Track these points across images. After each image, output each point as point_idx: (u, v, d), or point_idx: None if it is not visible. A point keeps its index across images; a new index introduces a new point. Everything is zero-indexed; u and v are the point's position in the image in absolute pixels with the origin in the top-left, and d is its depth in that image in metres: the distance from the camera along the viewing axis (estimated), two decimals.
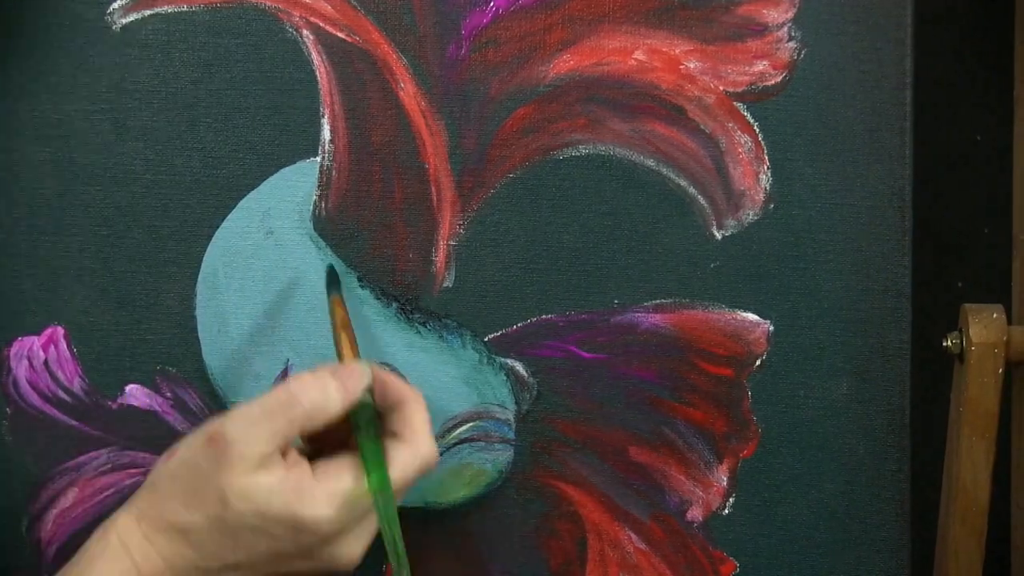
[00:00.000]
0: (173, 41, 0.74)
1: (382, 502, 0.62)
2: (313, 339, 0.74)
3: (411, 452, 0.64)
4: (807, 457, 0.75)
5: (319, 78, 0.74)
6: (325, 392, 0.63)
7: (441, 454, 0.74)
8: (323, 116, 0.74)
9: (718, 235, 0.75)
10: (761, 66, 0.74)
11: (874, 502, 0.76)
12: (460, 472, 0.75)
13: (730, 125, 0.74)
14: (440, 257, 0.75)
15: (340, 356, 0.67)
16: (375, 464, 0.62)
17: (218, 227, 0.74)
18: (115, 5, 0.74)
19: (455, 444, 0.74)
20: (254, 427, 0.62)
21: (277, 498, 0.62)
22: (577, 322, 0.75)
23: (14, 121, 0.74)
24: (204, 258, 0.74)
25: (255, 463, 0.62)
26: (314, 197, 0.74)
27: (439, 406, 0.74)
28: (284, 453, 0.63)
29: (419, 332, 0.74)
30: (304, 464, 0.63)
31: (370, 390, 0.64)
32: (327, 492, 0.62)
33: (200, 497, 0.63)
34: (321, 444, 0.66)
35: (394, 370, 0.74)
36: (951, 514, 0.80)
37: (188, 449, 0.64)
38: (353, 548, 0.64)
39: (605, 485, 0.75)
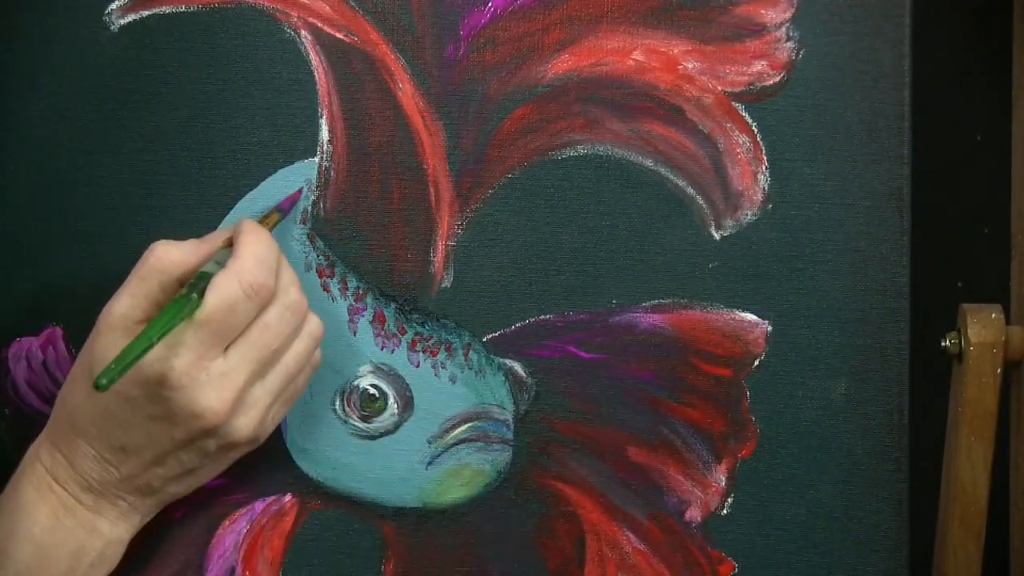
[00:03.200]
0: (171, 41, 0.74)
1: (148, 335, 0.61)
2: None
3: (228, 275, 0.64)
4: (806, 457, 0.75)
5: (317, 78, 0.74)
6: (174, 246, 0.65)
7: (440, 455, 0.74)
8: (321, 116, 0.74)
9: (716, 235, 0.75)
10: (759, 66, 0.74)
11: (873, 502, 0.76)
12: (458, 472, 0.75)
13: (728, 125, 0.74)
14: (438, 257, 0.75)
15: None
16: (162, 319, 0.61)
17: (217, 228, 0.74)
18: (113, 6, 0.74)
19: (453, 444, 0.74)
20: (117, 296, 0.65)
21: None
22: (575, 322, 0.75)
23: (11, 121, 0.74)
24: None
25: (119, 329, 0.64)
26: (312, 197, 0.74)
27: (438, 407, 0.74)
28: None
29: (418, 332, 0.74)
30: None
31: (222, 262, 0.65)
32: (166, 342, 0.62)
33: (80, 375, 0.65)
34: None
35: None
36: (950, 514, 0.80)
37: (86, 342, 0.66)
38: (240, 422, 0.65)
39: (603, 485, 0.75)
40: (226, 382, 0.64)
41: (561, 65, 0.74)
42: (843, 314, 0.75)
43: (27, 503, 0.66)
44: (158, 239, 0.72)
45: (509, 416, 0.75)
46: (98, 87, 0.74)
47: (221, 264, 0.65)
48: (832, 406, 0.75)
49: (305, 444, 0.74)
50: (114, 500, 0.66)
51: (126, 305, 0.64)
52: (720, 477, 0.75)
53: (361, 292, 0.74)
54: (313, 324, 0.68)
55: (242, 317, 0.64)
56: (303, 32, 0.74)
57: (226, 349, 0.64)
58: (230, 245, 0.67)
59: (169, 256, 0.65)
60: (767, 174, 0.75)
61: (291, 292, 0.67)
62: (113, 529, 0.67)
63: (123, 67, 0.74)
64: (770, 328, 0.75)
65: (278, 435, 0.74)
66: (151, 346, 0.61)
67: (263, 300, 0.65)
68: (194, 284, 0.63)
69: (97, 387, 0.59)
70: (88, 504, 0.66)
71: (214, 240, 0.67)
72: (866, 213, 0.75)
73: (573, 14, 0.74)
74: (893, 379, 0.75)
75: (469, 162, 0.74)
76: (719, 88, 0.74)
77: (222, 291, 0.63)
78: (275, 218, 0.71)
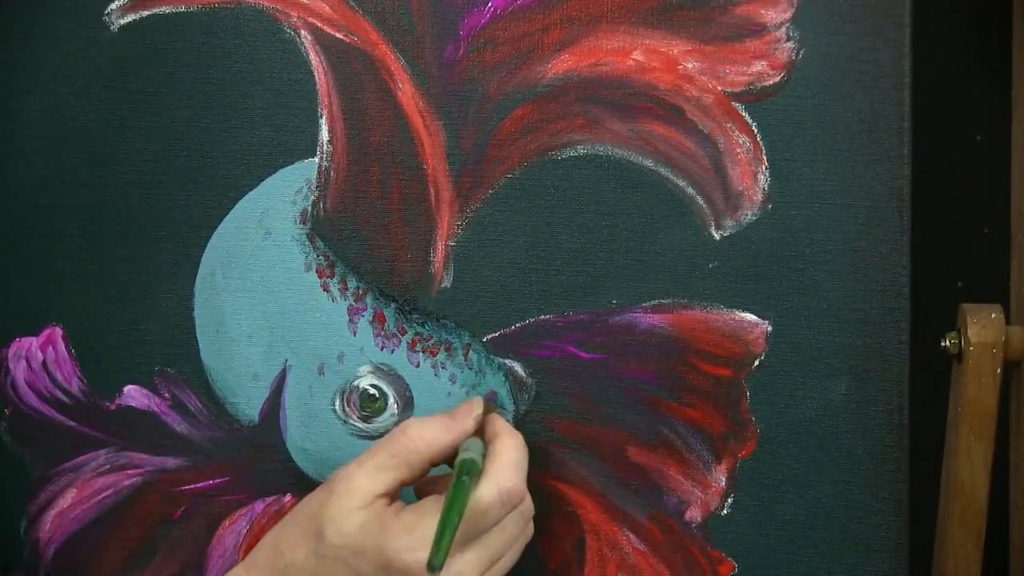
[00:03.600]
0: (171, 42, 0.74)
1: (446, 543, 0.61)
2: (311, 339, 0.74)
3: (489, 479, 0.64)
4: (806, 457, 0.75)
5: (317, 78, 0.74)
6: (428, 426, 0.65)
7: None
8: (321, 116, 0.74)
9: (716, 235, 0.75)
10: (759, 66, 0.74)
11: (873, 502, 0.76)
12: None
13: (728, 125, 0.74)
14: (438, 257, 0.75)
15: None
16: (455, 509, 0.61)
17: (216, 228, 0.74)
18: (113, 6, 0.74)
19: None
20: (361, 465, 0.64)
21: (364, 528, 0.62)
22: (575, 322, 0.75)
23: (12, 122, 0.74)
24: (202, 259, 0.74)
25: (358, 499, 0.63)
26: (312, 197, 0.74)
27: (438, 407, 0.74)
28: (393, 498, 0.64)
29: (418, 332, 0.74)
30: (399, 505, 0.64)
31: (481, 452, 0.65)
32: (404, 523, 0.62)
33: (303, 533, 0.64)
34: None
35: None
36: (950, 514, 0.80)
37: (309, 496, 0.65)
38: None
39: (603, 485, 0.75)
40: None
41: (561, 65, 0.74)
42: (843, 314, 0.75)
43: None
44: (157, 240, 0.73)
45: (509, 416, 0.75)
46: (98, 87, 0.74)
47: (474, 452, 0.65)
48: (832, 406, 0.75)
49: (305, 444, 0.74)
50: None
51: (371, 478, 0.64)
52: (720, 477, 0.75)
53: (361, 292, 0.74)
54: (530, 530, 0.69)
55: (492, 521, 0.65)
56: (303, 32, 0.74)
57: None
58: (480, 433, 0.68)
59: (424, 437, 0.66)
60: (767, 174, 0.75)
61: (527, 498, 0.67)
62: None
63: (123, 67, 0.74)
64: (770, 328, 0.75)
65: (278, 435, 0.74)
66: (455, 530, 0.61)
67: (514, 506, 0.65)
68: (468, 473, 0.63)
69: (431, 569, 0.59)
70: None
71: (463, 420, 0.67)
72: (866, 213, 0.75)
73: (573, 14, 0.74)
74: (893, 379, 0.75)
75: (469, 162, 0.74)
76: (719, 88, 0.74)
77: (481, 494, 0.64)
78: (491, 408, 0.72)
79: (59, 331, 0.74)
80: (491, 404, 0.72)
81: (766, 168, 0.75)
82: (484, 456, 0.66)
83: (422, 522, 0.63)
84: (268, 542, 0.66)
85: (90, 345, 0.74)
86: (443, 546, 0.59)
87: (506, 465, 0.65)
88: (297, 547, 0.64)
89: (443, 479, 0.68)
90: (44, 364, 0.74)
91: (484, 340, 0.75)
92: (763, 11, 0.74)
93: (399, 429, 0.66)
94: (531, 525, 0.69)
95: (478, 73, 0.74)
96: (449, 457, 0.67)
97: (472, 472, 0.63)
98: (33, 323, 0.74)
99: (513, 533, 0.66)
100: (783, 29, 0.74)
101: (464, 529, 0.63)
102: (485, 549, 0.65)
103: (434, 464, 0.67)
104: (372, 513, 0.63)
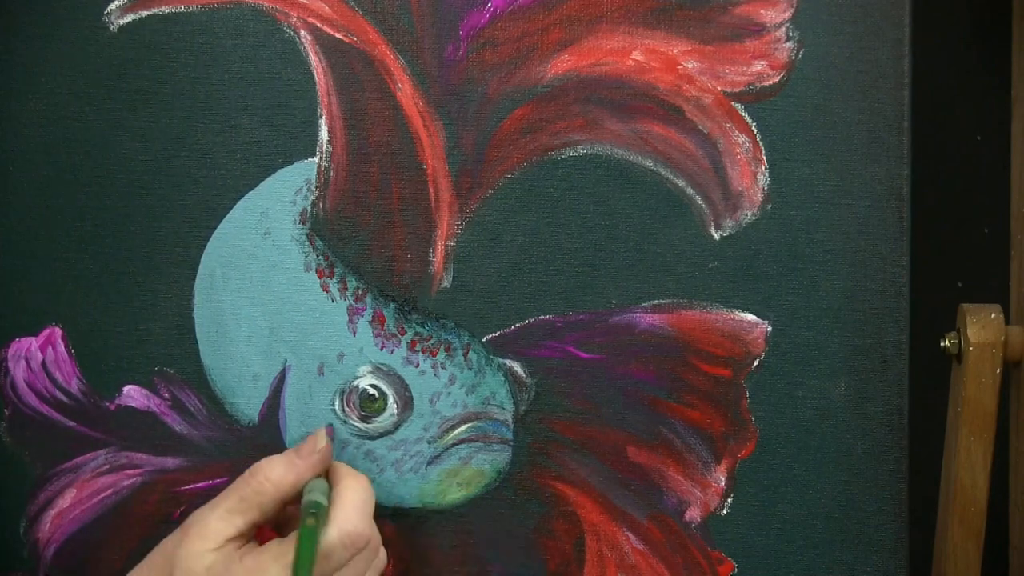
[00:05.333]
0: (171, 42, 0.74)
1: None
2: (311, 339, 0.74)
3: (333, 524, 0.65)
4: (805, 457, 0.75)
5: (317, 78, 0.74)
6: (275, 467, 0.67)
7: (439, 455, 0.74)
8: (321, 116, 0.74)
9: (716, 235, 0.75)
10: (759, 66, 0.74)
11: (872, 502, 0.76)
12: (458, 472, 0.75)
13: (728, 125, 0.74)
14: (438, 257, 0.75)
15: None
16: (305, 555, 0.62)
17: (216, 228, 0.74)
18: (112, 6, 0.74)
19: (453, 445, 0.74)
20: (214, 508, 0.66)
21: (210, 571, 0.64)
22: (575, 322, 0.75)
23: (11, 122, 0.74)
24: (202, 259, 0.74)
25: (209, 541, 0.65)
26: (312, 197, 0.74)
27: (437, 407, 0.74)
28: (248, 539, 0.66)
29: (418, 332, 0.74)
30: (249, 547, 0.65)
31: (325, 492, 0.67)
32: (246, 567, 0.64)
33: (158, 574, 0.65)
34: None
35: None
36: (949, 514, 0.80)
37: (167, 537, 0.66)
38: None
39: (603, 485, 0.75)
40: None
41: (561, 65, 0.74)
42: (843, 314, 0.75)
43: None
44: (156, 240, 0.73)
45: (509, 416, 0.75)
46: (98, 87, 0.74)
47: (318, 493, 0.66)
48: (832, 406, 0.75)
49: None
50: None
51: (223, 520, 0.65)
52: (720, 477, 0.75)
53: (360, 292, 0.74)
54: (380, 561, 0.69)
55: (335, 564, 0.65)
56: (302, 32, 0.74)
57: None
58: (325, 474, 0.69)
59: (271, 479, 0.66)
60: (767, 174, 0.75)
61: (374, 537, 0.68)
62: None
63: (122, 67, 0.74)
64: (769, 328, 0.75)
65: (278, 435, 0.74)
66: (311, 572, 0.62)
67: (358, 549, 0.66)
68: (315, 515, 0.64)
69: None
70: None
71: (308, 455, 0.68)
72: (866, 213, 0.75)
73: (573, 14, 0.74)
74: (892, 379, 0.75)
75: (468, 162, 0.74)
76: (719, 88, 0.74)
77: (324, 538, 0.65)
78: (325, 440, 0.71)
79: (58, 331, 0.74)
80: (332, 437, 0.72)
81: (765, 168, 0.75)
82: (327, 495, 0.67)
83: (263, 566, 0.64)
84: None
85: (90, 345, 0.74)
86: None
87: (349, 507, 0.66)
88: None
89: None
90: (44, 364, 0.74)
91: (484, 340, 0.75)
92: (763, 11, 0.74)
93: (249, 471, 0.67)
94: (383, 555, 0.70)
95: (478, 73, 0.74)
96: (298, 494, 0.68)
97: (319, 514, 0.64)
98: (33, 323, 0.74)
99: (359, 571, 0.67)
100: (783, 29, 0.74)
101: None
102: None
103: (287, 502, 0.68)
104: (221, 555, 0.64)
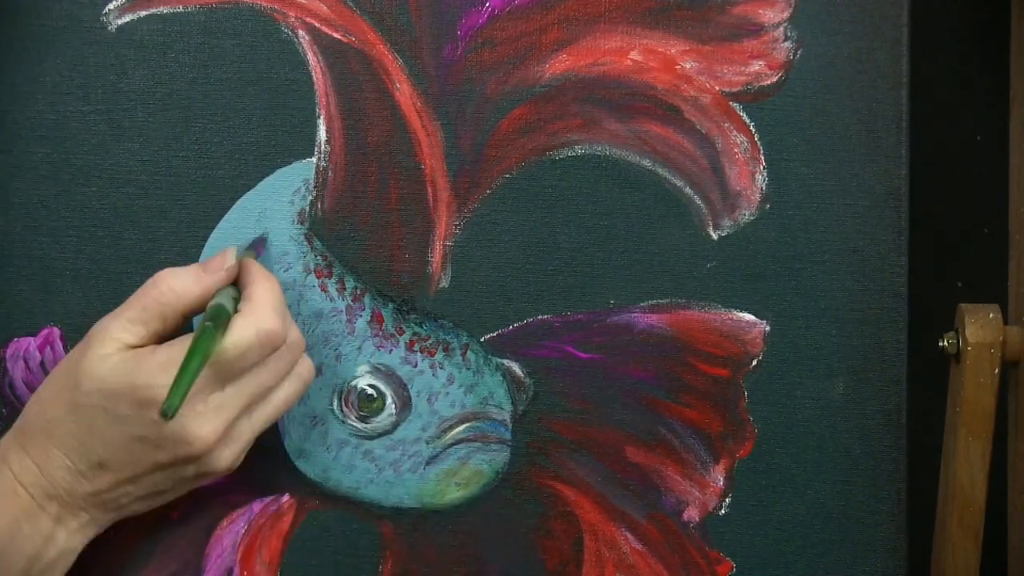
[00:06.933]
0: (169, 42, 0.74)
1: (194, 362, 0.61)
2: (309, 339, 0.74)
3: (245, 321, 0.64)
4: (804, 457, 0.75)
5: (315, 78, 0.74)
6: (179, 278, 0.66)
7: (438, 455, 0.74)
8: (319, 116, 0.74)
9: (714, 235, 0.75)
10: (757, 66, 0.74)
11: (871, 502, 0.76)
12: (456, 472, 0.75)
13: (726, 125, 0.74)
14: (436, 257, 0.75)
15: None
16: (197, 353, 0.62)
17: (214, 228, 0.74)
18: (111, 6, 0.74)
19: (451, 444, 0.74)
20: (116, 318, 0.65)
21: (116, 370, 0.63)
22: (573, 322, 0.75)
23: (10, 122, 0.74)
24: (200, 259, 0.74)
25: (110, 346, 0.64)
26: (310, 197, 0.74)
27: (435, 407, 0.74)
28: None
29: (416, 332, 0.74)
30: (153, 346, 0.65)
31: (235, 298, 0.66)
32: (159, 361, 0.63)
33: (62, 387, 0.65)
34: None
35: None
36: (948, 514, 0.80)
37: (68, 353, 0.67)
38: (223, 453, 0.65)
39: (601, 485, 0.75)
40: (220, 413, 0.65)
41: (559, 65, 0.74)
42: (841, 314, 0.75)
43: None
44: (154, 240, 0.73)
45: (507, 416, 0.75)
46: (96, 87, 0.74)
47: (224, 298, 0.66)
48: (830, 406, 0.75)
49: (303, 444, 0.74)
50: (77, 512, 0.66)
51: (124, 329, 0.65)
52: (718, 477, 0.75)
53: (359, 292, 0.74)
54: (305, 367, 0.69)
55: (251, 362, 0.65)
56: (301, 32, 0.74)
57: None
58: (235, 283, 0.68)
59: (174, 289, 0.66)
60: (765, 174, 0.75)
61: (292, 332, 0.68)
62: (69, 540, 0.66)
63: (121, 67, 0.74)
64: (768, 328, 0.75)
65: (276, 436, 0.74)
66: (196, 376, 0.61)
67: (274, 347, 0.66)
68: (215, 318, 0.64)
69: (164, 415, 0.59)
70: (51, 513, 0.65)
71: (216, 270, 0.68)
72: (864, 213, 0.75)
73: (571, 14, 0.74)
74: (891, 379, 0.75)
75: (467, 162, 0.74)
76: (717, 88, 0.74)
77: (238, 336, 0.64)
78: (252, 256, 0.72)
79: (57, 331, 0.74)
80: (252, 252, 0.71)
81: (764, 168, 0.75)
82: (238, 302, 0.66)
83: (176, 359, 0.63)
84: (32, 402, 0.67)
85: None
86: (179, 391, 0.60)
87: (262, 306, 0.66)
88: (57, 402, 0.65)
89: None
90: (42, 364, 0.74)
91: (482, 340, 0.75)
92: (761, 11, 0.74)
93: (151, 281, 0.67)
94: (307, 363, 0.69)
95: (476, 73, 0.74)
96: (203, 308, 0.67)
97: (220, 318, 0.64)
98: (31, 323, 0.74)
99: (279, 369, 0.67)
100: (781, 29, 0.74)
101: (222, 371, 0.64)
102: (247, 383, 0.65)
103: (189, 315, 0.67)
104: (124, 356, 0.64)
